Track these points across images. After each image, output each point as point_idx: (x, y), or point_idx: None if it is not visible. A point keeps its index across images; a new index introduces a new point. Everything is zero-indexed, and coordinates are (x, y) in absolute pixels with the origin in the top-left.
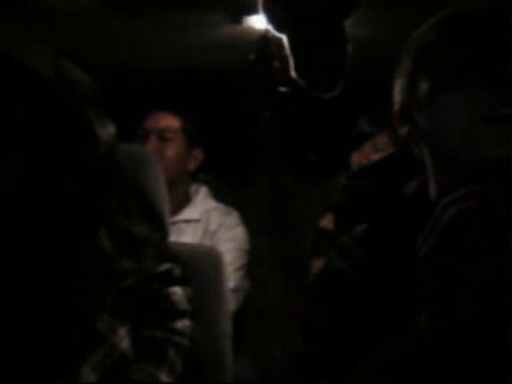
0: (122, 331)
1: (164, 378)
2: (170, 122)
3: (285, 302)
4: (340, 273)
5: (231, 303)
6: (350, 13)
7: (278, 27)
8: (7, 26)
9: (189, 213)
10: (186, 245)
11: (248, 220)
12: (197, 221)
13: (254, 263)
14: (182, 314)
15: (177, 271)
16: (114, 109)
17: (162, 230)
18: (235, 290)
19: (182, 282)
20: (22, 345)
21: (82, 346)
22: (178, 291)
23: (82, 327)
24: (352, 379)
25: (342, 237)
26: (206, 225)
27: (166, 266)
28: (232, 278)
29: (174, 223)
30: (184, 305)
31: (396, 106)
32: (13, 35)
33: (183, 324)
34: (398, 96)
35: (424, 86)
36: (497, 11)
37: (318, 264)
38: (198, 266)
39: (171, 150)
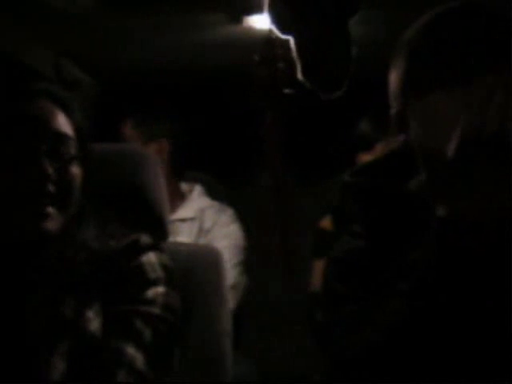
0: (90, 313)
1: (130, 349)
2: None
3: (285, 301)
4: (352, 251)
5: (230, 301)
6: (354, 12)
7: (283, 29)
8: (7, 25)
9: (184, 212)
10: (185, 244)
11: (248, 219)
12: (192, 219)
13: (254, 263)
14: (153, 283)
15: (145, 239)
16: (113, 109)
17: (161, 229)
18: (234, 287)
19: (151, 248)
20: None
21: (48, 336)
22: (150, 259)
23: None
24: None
25: (353, 224)
26: (201, 223)
27: (131, 238)
28: (230, 275)
29: (170, 222)
30: (156, 273)
31: (392, 111)
32: (13, 35)
33: (154, 292)
34: (393, 101)
35: (414, 91)
36: (487, 8)
37: (319, 265)
38: (198, 266)
39: None
